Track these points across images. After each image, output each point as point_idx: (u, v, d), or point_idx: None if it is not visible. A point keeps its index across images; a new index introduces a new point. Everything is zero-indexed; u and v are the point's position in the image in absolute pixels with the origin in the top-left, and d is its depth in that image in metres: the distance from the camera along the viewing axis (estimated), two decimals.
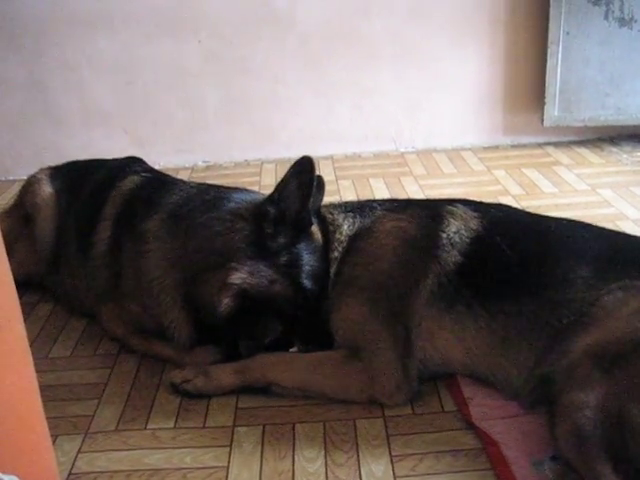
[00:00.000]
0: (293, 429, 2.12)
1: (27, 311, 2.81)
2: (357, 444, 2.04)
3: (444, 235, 2.22)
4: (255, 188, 3.30)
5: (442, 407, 2.19)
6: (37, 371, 1.42)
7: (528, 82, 4.53)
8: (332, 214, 2.42)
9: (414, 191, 3.93)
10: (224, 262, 2.22)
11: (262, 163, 4.60)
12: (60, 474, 1.83)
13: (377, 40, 4.48)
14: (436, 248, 2.20)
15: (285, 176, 2.20)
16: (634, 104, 4.35)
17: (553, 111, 4.38)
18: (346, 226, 2.37)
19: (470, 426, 2.08)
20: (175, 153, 4.64)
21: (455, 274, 2.16)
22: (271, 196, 2.24)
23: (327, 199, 2.59)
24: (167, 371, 2.39)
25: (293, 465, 1.98)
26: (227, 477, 1.95)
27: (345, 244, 2.34)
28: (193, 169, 4.59)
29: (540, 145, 4.62)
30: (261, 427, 2.13)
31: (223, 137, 4.66)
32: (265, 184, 4.10)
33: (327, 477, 1.93)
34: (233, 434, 2.11)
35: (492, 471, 1.91)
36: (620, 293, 1.99)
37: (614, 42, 4.22)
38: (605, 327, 1.93)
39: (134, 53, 4.44)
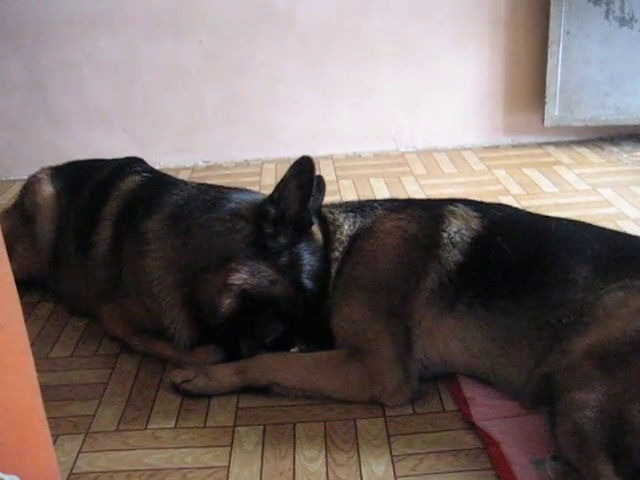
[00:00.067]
0: (294, 429, 2.12)
1: (28, 311, 2.81)
2: (358, 444, 2.04)
3: (445, 235, 2.22)
4: (255, 188, 3.30)
5: (443, 407, 2.19)
6: (38, 371, 1.41)
7: (528, 82, 4.53)
8: (333, 214, 2.42)
9: (414, 191, 3.93)
10: (224, 262, 2.22)
11: (262, 163, 4.60)
12: (61, 474, 1.83)
13: (377, 39, 4.48)
14: (437, 247, 2.20)
15: (285, 176, 2.20)
16: (634, 104, 4.35)
17: (553, 111, 4.38)
18: (347, 226, 2.37)
19: (471, 426, 2.08)
20: (175, 153, 4.64)
21: (456, 274, 2.16)
22: (271, 196, 2.24)
23: (328, 199, 2.58)
24: (167, 371, 2.39)
25: (294, 465, 1.98)
26: (228, 477, 1.95)
27: (346, 244, 2.34)
28: (194, 169, 4.59)
29: (540, 145, 4.62)
30: (262, 427, 2.13)
31: (223, 137, 4.66)
32: (265, 184, 4.10)
33: (328, 477, 1.93)
34: (234, 434, 2.11)
35: (493, 471, 1.91)
36: (620, 293, 1.99)
37: (614, 42, 4.22)
38: (605, 327, 1.93)
39: (134, 53, 4.44)
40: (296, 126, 4.62)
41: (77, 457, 2.05)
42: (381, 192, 3.91)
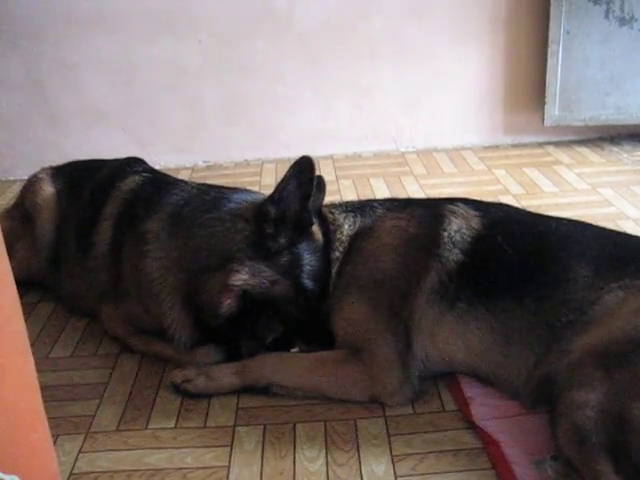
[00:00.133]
0: (294, 429, 2.12)
1: (28, 311, 2.81)
2: (358, 444, 2.04)
3: (445, 234, 2.22)
4: (255, 188, 3.30)
5: (443, 407, 2.19)
6: (38, 371, 1.41)
7: (528, 81, 4.53)
8: (333, 214, 2.42)
9: (414, 191, 3.93)
10: (225, 263, 2.22)
11: (262, 163, 4.60)
12: (61, 474, 1.83)
13: (376, 38, 4.47)
14: (437, 246, 2.20)
15: (285, 176, 2.20)
16: (634, 103, 4.35)
17: (553, 110, 4.38)
18: (347, 226, 2.37)
19: (471, 425, 2.08)
20: (175, 153, 4.64)
21: (456, 272, 2.16)
22: (271, 196, 2.24)
23: (328, 199, 2.58)
24: (168, 371, 2.39)
25: (294, 465, 1.98)
26: (228, 477, 1.95)
27: (346, 244, 2.34)
28: (193, 169, 4.59)
29: (540, 144, 4.62)
30: (262, 427, 2.14)
31: (223, 137, 4.65)
32: (265, 184, 4.10)
33: (328, 476, 1.93)
34: (234, 434, 2.11)
35: (493, 470, 1.91)
36: (620, 292, 1.99)
37: (614, 41, 4.22)
38: (606, 326, 1.93)
39: (133, 52, 4.44)
40: (296, 126, 4.62)
41: (77, 457, 2.05)
42: (381, 192, 3.91)
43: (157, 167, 3.20)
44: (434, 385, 2.27)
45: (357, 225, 2.37)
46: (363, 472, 1.93)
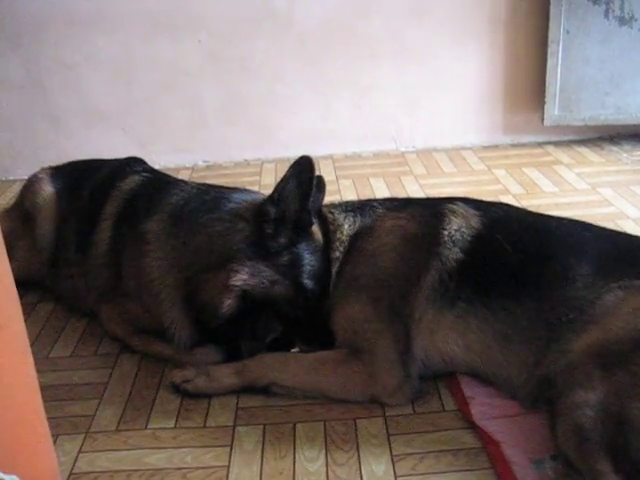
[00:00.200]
0: (294, 429, 2.12)
1: (27, 311, 2.81)
2: (358, 443, 2.04)
3: (445, 232, 2.22)
4: (255, 188, 3.31)
5: (443, 406, 2.19)
6: (38, 371, 1.42)
7: (528, 81, 4.53)
8: (333, 214, 2.42)
9: (414, 190, 3.93)
10: (225, 263, 2.22)
11: (262, 163, 4.60)
12: (61, 474, 1.83)
13: (376, 38, 4.47)
14: (437, 245, 2.21)
15: (285, 176, 2.20)
16: (634, 103, 4.35)
17: (553, 110, 4.38)
18: (347, 225, 2.37)
19: (471, 425, 2.08)
20: (175, 153, 4.64)
21: (456, 271, 2.16)
22: (271, 196, 2.24)
23: (328, 199, 2.58)
24: (167, 371, 2.39)
25: (294, 465, 1.98)
26: (227, 477, 1.95)
27: (346, 244, 2.34)
28: (193, 169, 4.59)
29: (540, 144, 4.62)
30: (262, 427, 2.14)
31: (222, 136, 4.66)
32: (265, 184, 4.10)
33: (328, 476, 1.93)
34: (234, 434, 2.11)
35: (492, 470, 1.91)
36: (620, 292, 1.99)
37: (614, 41, 4.22)
38: (605, 326, 1.93)
39: (133, 52, 4.44)
40: (295, 126, 4.62)
41: (77, 457, 2.05)
42: (381, 192, 3.91)
43: (157, 167, 3.20)
44: (434, 385, 2.27)
45: (357, 225, 2.37)
46: (363, 472, 1.93)
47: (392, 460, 1.97)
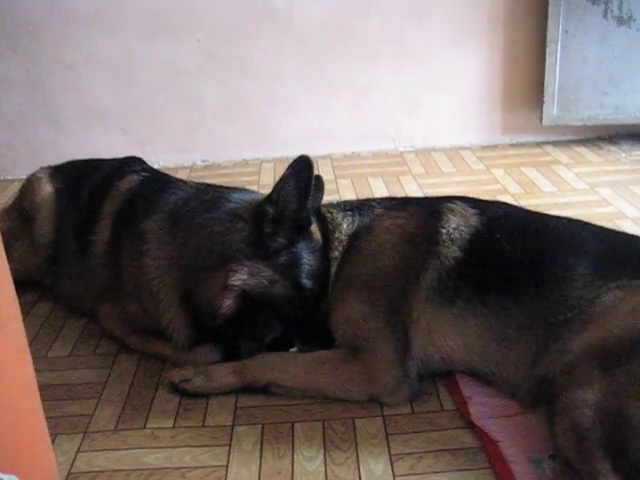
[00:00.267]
0: (292, 428, 2.12)
1: (26, 310, 2.80)
2: (356, 443, 2.04)
3: (444, 231, 2.22)
4: (254, 187, 3.31)
5: (441, 406, 2.19)
6: (36, 370, 1.41)
7: (527, 81, 4.53)
8: (331, 213, 2.42)
9: (413, 190, 3.93)
10: (223, 262, 2.22)
11: (261, 162, 4.60)
12: (59, 473, 1.83)
13: (375, 38, 4.47)
14: (436, 244, 2.21)
15: (283, 176, 2.20)
16: (633, 103, 4.35)
17: (552, 110, 4.38)
18: (345, 225, 2.37)
19: (469, 425, 2.08)
20: (173, 152, 4.64)
21: (455, 270, 2.16)
22: (270, 196, 2.24)
23: (326, 198, 2.58)
24: (166, 370, 2.39)
25: (292, 464, 1.98)
26: (226, 476, 1.95)
27: (345, 243, 2.34)
28: (192, 168, 4.59)
29: (539, 144, 4.62)
30: (260, 426, 2.13)
31: (221, 136, 4.65)
32: (264, 183, 4.10)
33: (326, 476, 1.93)
34: (232, 433, 2.11)
35: (491, 470, 1.91)
36: (619, 291, 1.99)
37: (613, 41, 4.23)
38: (604, 325, 1.93)
39: (132, 52, 4.44)
40: (294, 125, 4.62)
41: (75, 457, 2.05)
42: (380, 191, 3.91)
43: (156, 166, 3.20)
44: (432, 384, 2.27)
45: (356, 224, 2.37)
46: (361, 471, 1.93)
47: (390, 460, 1.97)
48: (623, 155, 4.34)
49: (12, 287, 1.34)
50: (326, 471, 1.94)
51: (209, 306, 2.24)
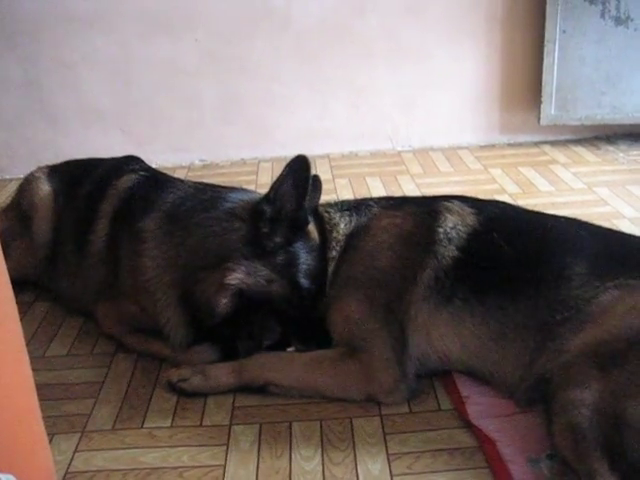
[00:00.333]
0: (290, 428, 2.12)
1: (23, 310, 2.80)
2: (354, 442, 2.04)
3: (441, 230, 2.22)
4: (252, 187, 3.31)
5: (439, 405, 2.19)
6: (33, 370, 1.41)
7: (524, 80, 4.54)
8: (329, 213, 2.42)
9: (411, 189, 3.93)
10: (221, 262, 2.22)
11: (258, 162, 4.60)
12: (57, 473, 1.83)
13: (372, 38, 4.47)
14: (433, 243, 2.21)
15: (281, 175, 2.20)
16: (630, 103, 4.36)
17: (549, 110, 4.38)
18: (343, 224, 2.37)
19: (467, 424, 2.08)
20: (172, 152, 4.64)
21: (452, 269, 2.16)
22: (267, 195, 2.24)
23: (324, 198, 2.58)
24: (164, 370, 2.39)
25: (290, 464, 1.98)
26: (224, 476, 1.95)
27: (342, 243, 2.34)
28: (190, 168, 4.59)
29: (536, 144, 4.62)
30: (258, 426, 2.14)
31: (219, 135, 4.65)
32: (262, 183, 4.09)
33: (324, 475, 1.93)
34: (230, 433, 2.11)
35: (489, 469, 1.91)
36: (616, 291, 1.99)
37: (610, 41, 4.23)
38: (601, 325, 1.93)
39: (130, 52, 4.44)
40: (292, 125, 4.62)
41: (73, 456, 2.05)
42: (377, 191, 3.91)
43: (154, 166, 3.19)
44: (430, 384, 2.27)
45: (353, 224, 2.37)
46: (359, 471, 1.94)
47: (388, 459, 1.97)
48: (620, 155, 4.34)
49: (10, 286, 1.33)
50: (323, 470, 1.94)
51: (206, 305, 2.25)
